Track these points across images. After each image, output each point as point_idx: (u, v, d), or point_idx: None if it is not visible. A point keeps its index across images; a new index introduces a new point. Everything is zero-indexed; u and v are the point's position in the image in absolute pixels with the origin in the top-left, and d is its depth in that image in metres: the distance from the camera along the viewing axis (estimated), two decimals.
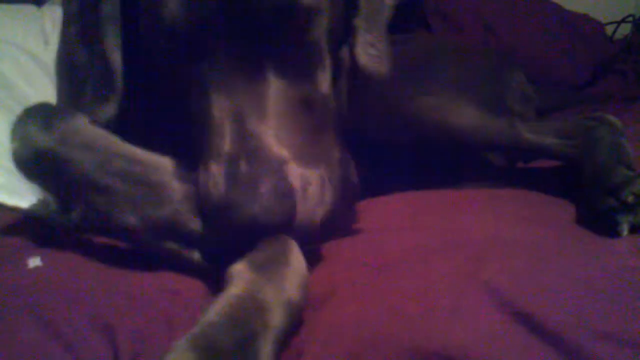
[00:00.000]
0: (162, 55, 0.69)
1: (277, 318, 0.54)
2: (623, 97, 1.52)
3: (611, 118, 0.90)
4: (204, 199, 0.64)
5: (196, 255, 0.65)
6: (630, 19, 1.96)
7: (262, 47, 0.66)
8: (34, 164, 0.65)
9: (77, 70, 0.75)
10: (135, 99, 0.73)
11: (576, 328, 0.50)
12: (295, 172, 0.63)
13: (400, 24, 1.71)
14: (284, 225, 0.62)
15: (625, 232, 0.68)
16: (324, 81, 0.72)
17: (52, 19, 1.26)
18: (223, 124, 0.65)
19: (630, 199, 0.70)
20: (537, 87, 1.24)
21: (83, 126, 0.67)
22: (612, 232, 0.69)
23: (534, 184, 0.94)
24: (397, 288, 0.60)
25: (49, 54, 1.17)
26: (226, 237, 0.63)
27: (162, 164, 0.66)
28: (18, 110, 0.96)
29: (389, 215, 0.86)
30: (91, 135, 0.66)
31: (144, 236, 0.64)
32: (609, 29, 1.93)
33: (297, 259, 0.61)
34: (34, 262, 0.62)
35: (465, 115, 0.97)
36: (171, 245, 0.64)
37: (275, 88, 0.66)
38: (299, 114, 0.68)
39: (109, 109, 0.71)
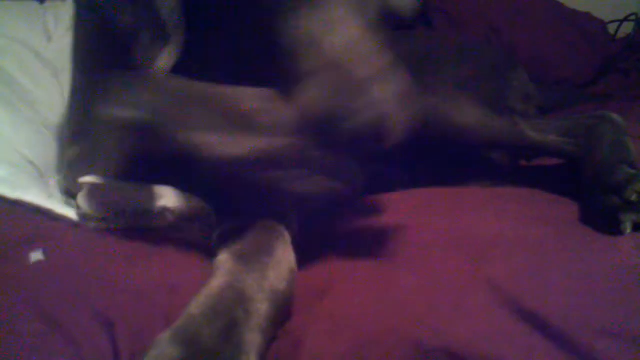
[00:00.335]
0: None
1: (260, 307, 0.54)
2: (625, 96, 1.51)
3: (614, 116, 0.90)
4: (309, 114, 0.61)
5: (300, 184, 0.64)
6: (633, 17, 1.95)
7: None
8: (146, 129, 0.63)
9: (117, 37, 0.70)
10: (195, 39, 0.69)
11: (579, 325, 0.50)
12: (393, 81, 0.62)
13: (402, 21, 1.72)
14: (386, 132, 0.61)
15: (628, 231, 0.68)
16: None
17: (54, 15, 1.26)
18: (318, 38, 0.62)
19: (633, 197, 0.70)
20: (539, 86, 1.24)
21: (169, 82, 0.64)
22: (615, 230, 0.69)
23: (536, 182, 0.94)
24: (399, 283, 0.60)
25: (52, 50, 1.17)
26: (341, 148, 0.62)
27: (246, 93, 0.64)
28: (20, 105, 0.97)
29: (391, 212, 0.86)
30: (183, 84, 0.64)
31: (245, 168, 0.62)
32: (612, 28, 1.93)
33: (282, 248, 0.62)
34: (36, 256, 0.62)
35: (467, 114, 0.97)
36: (274, 174, 0.63)
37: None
38: (377, 30, 0.66)
39: (169, 59, 0.66)
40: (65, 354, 0.51)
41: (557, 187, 0.90)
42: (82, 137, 0.75)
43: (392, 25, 0.79)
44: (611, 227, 0.69)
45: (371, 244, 0.72)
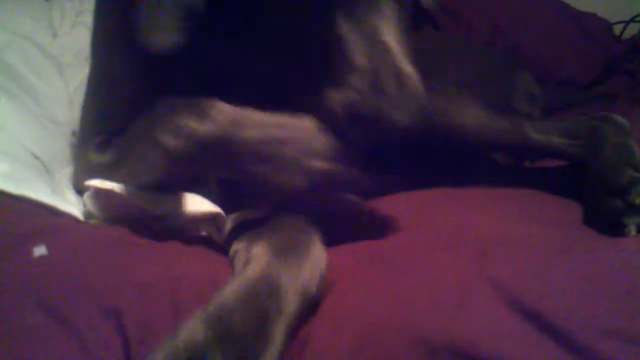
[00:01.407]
0: None
1: (291, 305, 0.54)
2: (630, 97, 1.51)
3: (618, 118, 0.90)
4: (351, 112, 0.66)
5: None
6: (639, 19, 1.94)
7: None
8: (200, 154, 0.65)
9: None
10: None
11: (582, 325, 0.50)
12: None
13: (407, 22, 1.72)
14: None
15: (632, 234, 0.68)
16: None
17: (60, 11, 1.26)
18: (356, 41, 0.67)
19: (637, 200, 0.70)
20: (544, 87, 1.24)
21: (224, 106, 0.66)
22: (618, 233, 0.69)
23: (539, 183, 0.94)
24: (401, 281, 0.61)
25: (57, 46, 1.17)
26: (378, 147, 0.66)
27: (295, 121, 0.67)
28: (25, 100, 0.98)
29: (393, 211, 0.86)
30: (238, 113, 0.66)
31: (311, 193, 0.65)
32: (617, 29, 1.92)
33: (317, 250, 0.62)
34: (40, 251, 0.62)
35: (470, 115, 0.97)
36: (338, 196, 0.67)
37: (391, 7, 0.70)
38: (406, 32, 0.72)
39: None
40: (70, 346, 0.51)
41: (560, 188, 0.90)
42: (118, 148, 0.75)
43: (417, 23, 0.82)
44: (615, 231, 0.70)
45: (372, 242, 0.73)
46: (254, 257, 0.58)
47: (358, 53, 0.67)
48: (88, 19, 1.27)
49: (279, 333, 0.51)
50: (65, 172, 0.92)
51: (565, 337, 0.50)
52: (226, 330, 0.49)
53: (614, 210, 0.71)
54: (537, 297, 0.54)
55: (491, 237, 0.68)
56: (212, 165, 0.67)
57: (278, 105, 0.67)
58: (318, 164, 0.65)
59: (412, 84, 0.66)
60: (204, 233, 0.72)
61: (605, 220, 0.72)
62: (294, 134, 0.65)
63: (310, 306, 0.58)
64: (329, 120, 0.67)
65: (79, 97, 1.07)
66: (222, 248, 0.70)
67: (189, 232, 0.71)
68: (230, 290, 0.53)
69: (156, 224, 0.71)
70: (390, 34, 0.68)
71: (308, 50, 0.69)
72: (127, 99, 0.78)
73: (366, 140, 0.66)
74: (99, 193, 0.72)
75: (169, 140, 0.65)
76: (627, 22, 1.94)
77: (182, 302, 0.57)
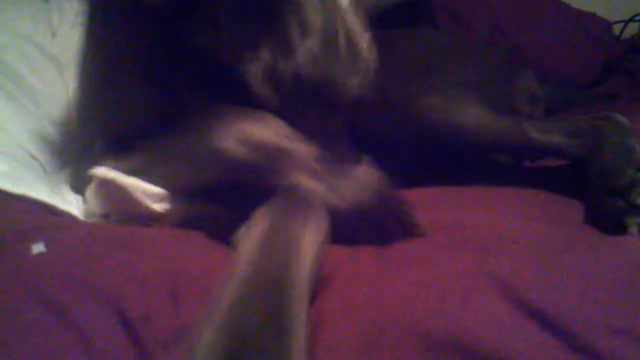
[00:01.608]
0: None
1: (306, 258, 0.55)
2: (630, 97, 1.51)
3: (619, 117, 0.90)
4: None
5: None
6: (639, 18, 1.94)
7: None
8: (262, 162, 0.66)
9: None
10: None
11: (585, 322, 0.51)
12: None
13: (405, 20, 1.72)
14: None
15: (634, 234, 0.68)
16: None
17: (59, 11, 1.26)
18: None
19: (638, 200, 0.70)
20: (544, 86, 1.24)
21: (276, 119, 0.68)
22: (620, 233, 0.69)
23: (540, 183, 0.94)
24: (404, 277, 0.60)
25: (56, 46, 1.17)
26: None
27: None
28: (25, 101, 0.97)
29: None
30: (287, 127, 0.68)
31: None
32: (617, 28, 1.92)
33: (309, 237, 0.61)
34: (38, 248, 0.62)
35: (471, 115, 0.96)
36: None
37: None
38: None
39: None
40: (69, 340, 0.51)
41: (561, 188, 0.90)
42: (149, 151, 0.74)
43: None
44: (616, 230, 0.69)
45: None
46: (257, 215, 0.58)
47: (311, 12, 0.67)
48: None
49: (297, 326, 0.50)
50: (63, 173, 0.92)
51: (568, 335, 0.50)
52: (245, 338, 0.48)
53: (615, 210, 0.71)
54: (540, 295, 0.54)
55: (493, 235, 0.68)
56: (267, 176, 0.66)
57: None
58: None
59: (363, 50, 0.66)
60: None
61: (607, 220, 0.72)
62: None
63: (311, 287, 0.57)
64: (274, 88, 0.67)
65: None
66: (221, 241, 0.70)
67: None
68: (236, 290, 0.51)
69: (154, 221, 0.71)
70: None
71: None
72: (143, 103, 0.77)
73: (311, 108, 0.67)
74: (102, 184, 0.71)
75: (233, 147, 0.65)
76: (626, 22, 1.94)
77: (182, 295, 0.57)
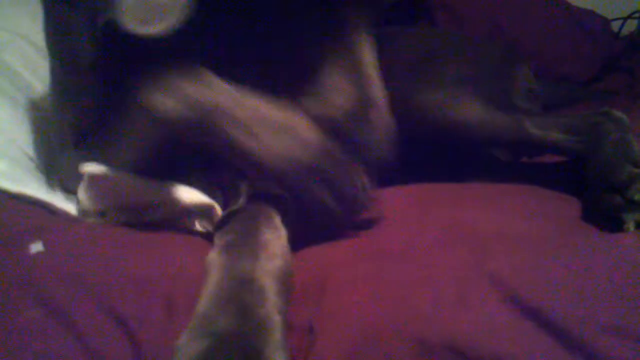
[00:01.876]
0: None
1: (264, 283, 0.55)
2: (629, 94, 1.51)
3: (618, 114, 0.90)
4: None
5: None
6: (637, 15, 1.94)
7: None
8: (198, 124, 0.64)
9: None
10: None
11: (582, 322, 0.50)
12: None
13: (404, 17, 1.72)
14: None
15: (631, 230, 0.68)
16: None
17: None
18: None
19: (636, 197, 0.70)
20: (542, 83, 1.24)
21: (221, 80, 0.66)
22: (617, 229, 0.69)
23: (538, 179, 0.94)
24: (400, 277, 0.60)
25: None
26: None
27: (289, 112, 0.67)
28: (21, 99, 0.97)
29: (390, 206, 0.86)
30: (233, 89, 0.66)
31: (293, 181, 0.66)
32: (615, 25, 1.92)
33: (268, 227, 0.63)
34: (36, 247, 0.61)
35: (469, 111, 0.96)
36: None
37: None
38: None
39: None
40: (67, 340, 0.51)
41: (558, 184, 0.90)
42: (98, 131, 0.74)
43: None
44: (614, 227, 0.69)
45: (369, 238, 0.72)
46: (210, 262, 0.59)
47: (345, 76, 0.69)
48: None
49: (266, 312, 0.51)
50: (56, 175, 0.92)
51: (564, 334, 0.50)
52: (218, 333, 0.48)
53: (613, 206, 0.71)
54: (536, 294, 0.54)
55: (490, 233, 0.68)
56: (203, 137, 0.65)
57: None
58: (302, 152, 0.65)
59: (386, 119, 0.71)
60: (198, 227, 0.71)
61: (605, 216, 0.72)
62: (285, 120, 0.66)
63: (284, 277, 0.58)
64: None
65: None
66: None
67: (182, 225, 0.71)
68: (203, 302, 0.53)
69: (149, 215, 0.71)
70: (372, 66, 0.71)
71: (307, 55, 0.71)
72: (93, 96, 0.75)
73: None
74: (92, 181, 0.71)
75: (166, 103, 0.63)
76: (625, 19, 1.94)
77: (178, 297, 0.57)
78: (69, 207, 0.76)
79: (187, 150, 0.68)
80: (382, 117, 0.69)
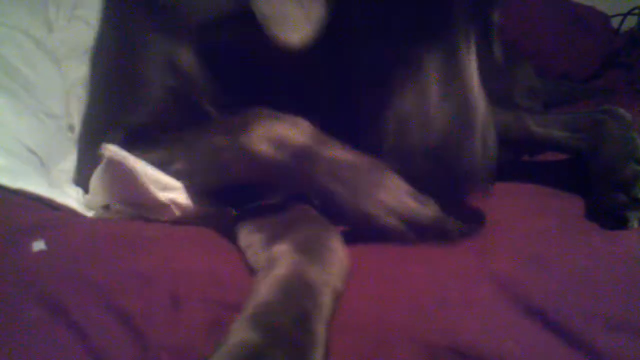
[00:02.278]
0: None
1: (326, 300, 0.53)
2: (629, 90, 1.51)
3: (621, 111, 0.89)
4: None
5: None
6: (637, 11, 1.94)
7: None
8: (290, 164, 0.65)
9: None
10: None
11: (585, 320, 0.50)
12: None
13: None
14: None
15: (635, 228, 0.68)
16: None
17: (56, 5, 1.25)
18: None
19: None
20: (543, 81, 1.24)
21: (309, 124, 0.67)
22: (621, 227, 0.69)
23: (539, 177, 0.94)
24: (403, 278, 0.60)
25: (53, 39, 1.16)
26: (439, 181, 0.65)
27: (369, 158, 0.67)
28: (21, 94, 0.97)
29: None
30: (320, 133, 0.67)
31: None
32: (615, 21, 1.92)
33: (340, 245, 0.61)
34: (38, 245, 0.61)
35: None
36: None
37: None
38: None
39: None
40: (70, 338, 0.51)
41: (559, 182, 0.90)
42: (173, 145, 0.74)
43: None
44: (617, 225, 0.69)
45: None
46: (279, 255, 0.57)
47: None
48: (84, 12, 1.26)
49: (321, 330, 0.50)
50: (62, 167, 0.92)
51: (568, 333, 0.50)
52: (274, 331, 0.48)
53: (617, 205, 0.71)
54: (539, 293, 0.54)
55: (491, 231, 0.68)
56: (294, 179, 0.66)
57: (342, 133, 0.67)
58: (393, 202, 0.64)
59: (493, 147, 0.69)
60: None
61: (608, 215, 0.72)
62: (369, 167, 0.65)
63: (338, 302, 0.57)
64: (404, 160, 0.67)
65: (76, 91, 1.07)
66: (217, 235, 0.69)
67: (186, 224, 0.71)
68: (267, 289, 0.52)
69: (154, 214, 0.70)
70: (478, 88, 0.69)
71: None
72: (165, 95, 0.77)
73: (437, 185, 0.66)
74: (109, 165, 0.70)
75: (262, 147, 0.64)
76: (625, 15, 1.94)
77: (183, 294, 0.56)
78: (70, 201, 0.76)
79: (267, 186, 0.69)
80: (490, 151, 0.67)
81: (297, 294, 0.52)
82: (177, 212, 0.70)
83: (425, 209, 0.64)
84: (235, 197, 0.69)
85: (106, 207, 0.73)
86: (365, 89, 0.70)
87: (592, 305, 0.52)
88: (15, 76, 1.00)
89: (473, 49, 0.68)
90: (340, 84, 0.72)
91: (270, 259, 0.57)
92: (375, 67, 0.69)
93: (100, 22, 0.89)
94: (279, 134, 0.65)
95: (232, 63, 0.75)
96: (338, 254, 0.59)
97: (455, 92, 0.67)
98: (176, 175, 0.70)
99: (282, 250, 0.57)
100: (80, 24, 1.24)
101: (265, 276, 0.54)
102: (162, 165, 0.70)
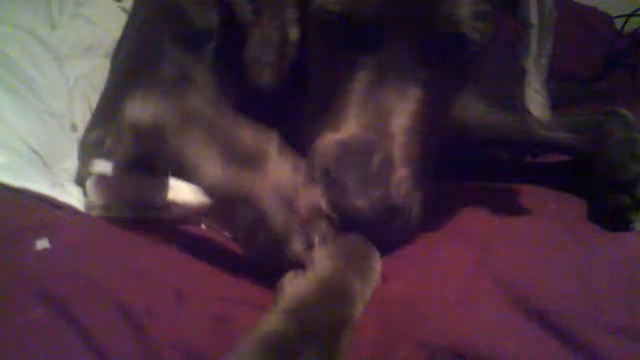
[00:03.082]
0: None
1: (358, 312, 0.53)
2: (632, 92, 1.51)
3: (624, 112, 0.89)
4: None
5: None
6: None
7: (418, 61, 0.66)
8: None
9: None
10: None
11: (585, 322, 0.50)
12: (405, 186, 0.64)
13: None
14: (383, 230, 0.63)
15: (637, 230, 0.68)
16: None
17: (59, 3, 1.25)
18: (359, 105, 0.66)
19: None
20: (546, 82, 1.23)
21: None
22: (624, 229, 0.69)
23: (542, 178, 0.94)
24: (401, 278, 0.60)
25: (56, 38, 1.16)
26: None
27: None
28: (24, 93, 0.97)
29: None
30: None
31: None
32: (618, 23, 1.91)
33: (378, 266, 0.61)
34: (42, 244, 0.61)
35: (474, 110, 0.96)
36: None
37: (413, 101, 0.66)
38: (423, 127, 0.68)
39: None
40: (73, 336, 0.50)
41: (562, 184, 0.90)
42: (104, 121, 0.75)
43: None
44: (620, 226, 0.69)
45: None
46: (322, 259, 0.56)
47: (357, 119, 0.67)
48: (87, 11, 1.26)
49: (347, 339, 0.50)
50: (64, 166, 0.92)
51: (568, 334, 0.50)
52: (311, 329, 0.48)
53: (620, 206, 0.71)
54: (539, 295, 0.54)
55: (493, 233, 0.68)
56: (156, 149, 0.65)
57: None
58: None
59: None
60: (203, 226, 0.71)
61: (611, 216, 0.72)
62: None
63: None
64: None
65: (79, 88, 1.07)
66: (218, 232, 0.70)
67: (187, 223, 0.71)
68: (306, 285, 0.52)
69: (154, 214, 0.70)
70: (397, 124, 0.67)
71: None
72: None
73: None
74: (101, 178, 0.71)
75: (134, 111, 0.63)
76: (628, 16, 1.93)
77: (186, 292, 0.57)
78: (72, 200, 0.76)
79: None
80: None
81: (338, 300, 0.52)
82: (177, 210, 0.70)
83: None
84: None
85: (106, 209, 0.73)
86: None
87: (593, 307, 0.52)
88: (19, 75, 1.00)
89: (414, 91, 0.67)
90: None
91: (309, 260, 0.56)
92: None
93: (126, 22, 0.92)
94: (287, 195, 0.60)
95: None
96: (376, 275, 0.59)
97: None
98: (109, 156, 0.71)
99: (324, 253, 0.57)
100: (83, 22, 1.24)
101: (306, 274, 0.54)
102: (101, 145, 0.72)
